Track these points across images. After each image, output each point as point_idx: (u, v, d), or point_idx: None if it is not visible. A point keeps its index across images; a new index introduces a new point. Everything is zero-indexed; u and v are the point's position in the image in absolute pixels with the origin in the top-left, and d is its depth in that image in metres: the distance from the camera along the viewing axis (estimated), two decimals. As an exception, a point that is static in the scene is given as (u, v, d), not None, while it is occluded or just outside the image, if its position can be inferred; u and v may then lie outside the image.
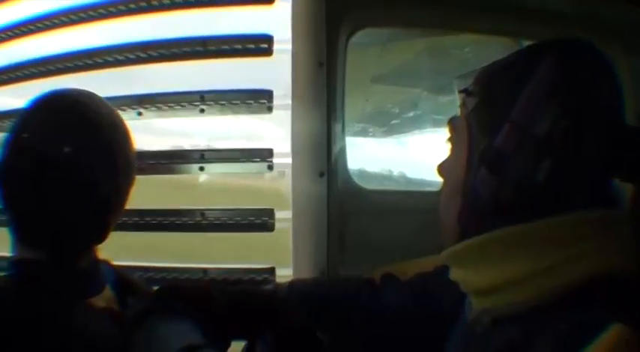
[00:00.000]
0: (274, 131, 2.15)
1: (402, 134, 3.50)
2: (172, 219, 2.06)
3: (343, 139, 2.12)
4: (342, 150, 2.11)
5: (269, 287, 1.71)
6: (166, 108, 2.05)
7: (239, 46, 2.04)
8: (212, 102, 2.03)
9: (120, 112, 1.49)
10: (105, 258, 1.55)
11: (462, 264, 1.12)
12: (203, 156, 2.05)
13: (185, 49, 2.06)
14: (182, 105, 2.03)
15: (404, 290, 1.57)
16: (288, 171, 1.94)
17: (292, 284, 1.68)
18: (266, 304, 1.58)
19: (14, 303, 1.29)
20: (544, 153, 0.97)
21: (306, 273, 1.88)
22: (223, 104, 2.03)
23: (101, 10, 2.14)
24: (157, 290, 1.50)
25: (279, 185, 2.07)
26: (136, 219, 2.07)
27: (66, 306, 1.33)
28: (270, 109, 2.01)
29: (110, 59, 2.11)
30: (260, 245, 2.47)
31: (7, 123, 1.73)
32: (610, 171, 1.03)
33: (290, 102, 1.94)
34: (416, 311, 1.52)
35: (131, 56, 2.09)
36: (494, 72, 1.08)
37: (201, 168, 2.04)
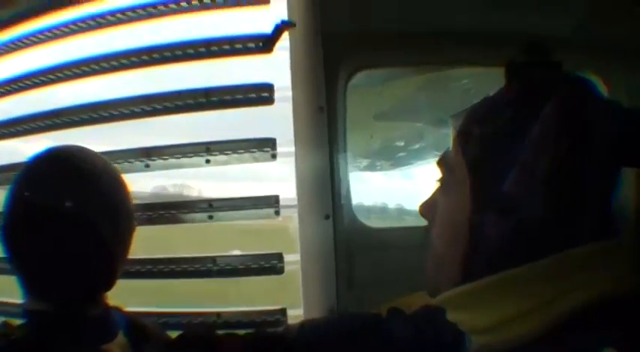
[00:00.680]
0: (280, 170, 2.17)
1: (409, 166, 3.49)
2: (185, 266, 2.09)
3: (347, 180, 2.14)
4: (347, 191, 2.14)
5: (280, 329, 1.73)
6: (173, 159, 2.09)
7: (241, 96, 2.07)
8: (217, 153, 2.06)
9: (128, 164, 1.53)
10: (116, 305, 1.58)
11: (460, 307, 1.09)
12: (211, 205, 2.08)
13: (188, 101, 2.09)
14: (188, 156, 2.07)
15: (409, 323, 1.57)
16: (295, 215, 1.97)
17: (303, 325, 1.70)
18: (279, 346, 1.60)
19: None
20: (554, 194, 0.96)
21: (317, 313, 1.89)
22: (228, 153, 2.06)
23: (103, 64, 2.18)
24: (175, 338, 1.53)
25: (287, 225, 2.09)
26: (149, 266, 2.10)
27: None
28: (274, 157, 2.03)
29: (115, 113, 2.15)
30: (271, 287, 2.49)
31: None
32: (624, 162, 1.03)
33: (293, 147, 1.97)
34: (421, 343, 1.53)
35: (136, 109, 2.13)
36: (496, 113, 1.04)
37: (210, 217, 2.07)
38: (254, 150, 2.05)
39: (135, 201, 1.59)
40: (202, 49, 2.11)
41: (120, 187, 1.51)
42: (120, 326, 1.53)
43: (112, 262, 1.47)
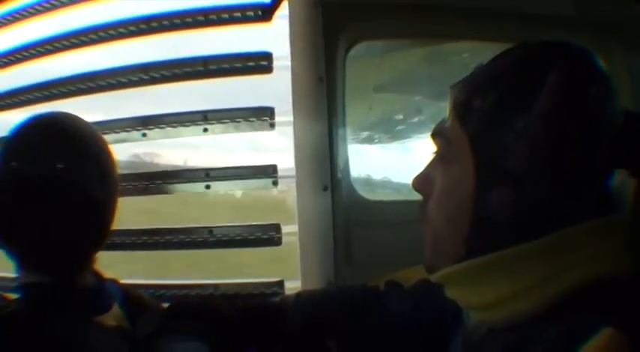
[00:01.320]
0: (278, 141, 2.16)
1: (408, 139, 3.49)
2: (181, 237, 2.08)
3: (346, 152, 2.13)
4: (346, 163, 2.12)
5: (277, 299, 1.72)
6: (170, 128, 2.07)
7: (239, 65, 2.06)
8: (215, 121, 2.05)
9: (125, 133, 1.52)
10: (112, 277, 1.58)
11: (460, 283, 1.08)
12: (208, 175, 2.06)
13: (186, 70, 2.08)
14: (186, 125, 2.05)
15: (407, 297, 1.56)
16: (293, 185, 1.96)
17: (299, 296, 1.69)
18: (274, 316, 1.59)
19: (25, 325, 1.32)
20: (559, 169, 0.96)
21: (314, 285, 1.89)
22: (226, 122, 2.04)
23: (102, 33, 2.17)
24: (168, 308, 1.52)
25: (285, 196, 2.08)
26: (146, 238, 2.09)
27: (74, 324, 1.35)
28: (272, 126, 2.03)
29: (113, 82, 2.13)
30: (269, 258, 2.48)
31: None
32: (619, 165, 1.03)
33: (292, 117, 1.96)
34: (419, 317, 1.51)
35: (134, 78, 2.11)
36: (498, 82, 1.01)
37: (207, 187, 2.05)
38: (252, 119, 2.04)
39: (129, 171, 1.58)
40: (201, 18, 2.10)
41: (107, 152, 1.50)
42: (115, 298, 1.52)
43: (102, 228, 1.47)
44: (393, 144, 3.57)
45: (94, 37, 2.19)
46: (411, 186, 1.16)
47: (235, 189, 2.07)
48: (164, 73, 2.09)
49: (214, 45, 2.18)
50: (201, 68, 2.08)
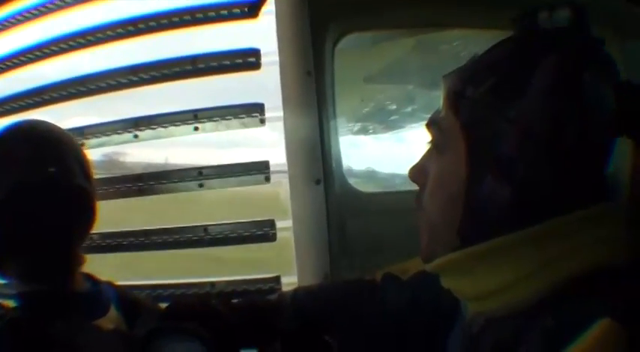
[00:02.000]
0: (269, 135, 2.16)
1: (402, 129, 3.48)
2: (176, 236, 2.08)
3: (337, 145, 2.13)
4: (337, 156, 2.13)
5: (273, 296, 1.72)
6: (161, 129, 2.08)
7: (227, 62, 2.06)
8: (205, 120, 2.05)
9: (117, 135, 1.53)
10: (107, 280, 1.58)
11: (455, 273, 1.09)
12: (201, 173, 2.07)
13: (175, 69, 2.08)
14: (176, 125, 2.05)
15: (404, 290, 1.56)
16: (286, 180, 1.96)
17: (296, 292, 1.69)
18: (272, 313, 1.60)
19: (25, 332, 1.33)
20: (552, 155, 0.96)
21: (311, 279, 1.89)
22: (216, 120, 2.05)
23: (89, 37, 2.17)
24: (164, 309, 1.52)
25: (278, 191, 2.08)
26: (142, 238, 2.10)
27: (73, 330, 1.36)
28: (262, 122, 2.03)
29: (102, 85, 2.14)
30: (265, 255, 2.49)
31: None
32: (620, 130, 1.02)
33: (282, 113, 1.96)
34: (417, 309, 1.52)
35: (123, 80, 2.12)
36: (491, 71, 1.02)
37: (201, 185, 2.06)
38: (242, 115, 2.04)
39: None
40: (188, 17, 2.10)
41: (81, 149, 1.52)
42: (111, 301, 1.53)
43: (92, 221, 1.50)
44: (388, 134, 3.57)
45: (81, 41, 2.19)
46: (405, 176, 1.17)
47: (228, 186, 2.07)
48: (153, 73, 2.10)
49: (202, 44, 2.18)
50: (190, 67, 2.08)
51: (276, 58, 1.96)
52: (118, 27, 2.14)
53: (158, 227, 2.11)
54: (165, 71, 2.09)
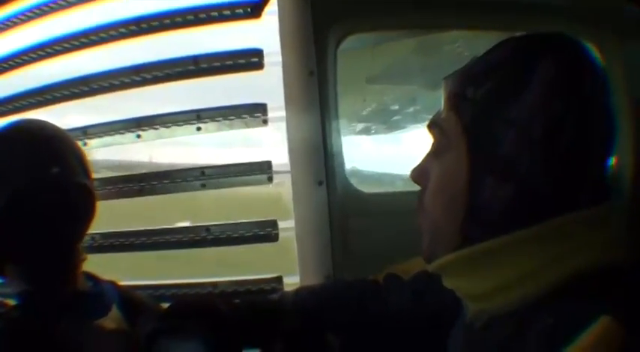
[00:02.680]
0: (272, 135, 2.16)
1: (405, 129, 3.49)
2: (179, 236, 2.08)
3: (340, 145, 2.13)
4: (340, 157, 2.13)
5: (275, 296, 1.73)
6: (164, 129, 2.08)
7: (230, 62, 2.05)
8: (208, 120, 2.05)
9: (119, 135, 1.53)
10: (109, 280, 1.58)
11: (456, 272, 1.09)
12: (204, 173, 2.07)
13: (178, 69, 2.07)
14: (179, 125, 2.05)
15: (406, 290, 1.57)
16: (288, 181, 1.96)
17: (298, 292, 1.70)
18: (274, 313, 1.60)
19: (28, 331, 1.33)
20: (553, 156, 0.96)
21: (313, 279, 1.89)
22: (219, 120, 2.05)
23: (92, 37, 2.16)
24: (166, 309, 1.52)
25: (281, 191, 2.09)
26: (144, 239, 2.10)
27: (75, 329, 1.36)
28: (265, 122, 2.03)
29: (105, 84, 2.13)
30: (267, 255, 2.49)
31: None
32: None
33: (284, 113, 1.96)
34: (419, 309, 1.52)
35: (126, 80, 2.11)
36: (491, 73, 1.03)
37: (203, 185, 2.06)
38: (245, 116, 2.04)
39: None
40: (190, 17, 2.09)
41: (81, 149, 1.52)
42: (113, 300, 1.53)
43: (92, 216, 1.51)
44: (391, 135, 3.57)
45: (83, 41, 2.18)
46: (407, 176, 1.17)
47: (230, 186, 2.07)
48: (156, 73, 2.09)
49: (205, 44, 2.18)
50: (193, 67, 2.07)
51: (279, 59, 1.96)
52: (121, 27, 2.13)
53: (160, 227, 2.11)
54: (168, 71, 2.08)
